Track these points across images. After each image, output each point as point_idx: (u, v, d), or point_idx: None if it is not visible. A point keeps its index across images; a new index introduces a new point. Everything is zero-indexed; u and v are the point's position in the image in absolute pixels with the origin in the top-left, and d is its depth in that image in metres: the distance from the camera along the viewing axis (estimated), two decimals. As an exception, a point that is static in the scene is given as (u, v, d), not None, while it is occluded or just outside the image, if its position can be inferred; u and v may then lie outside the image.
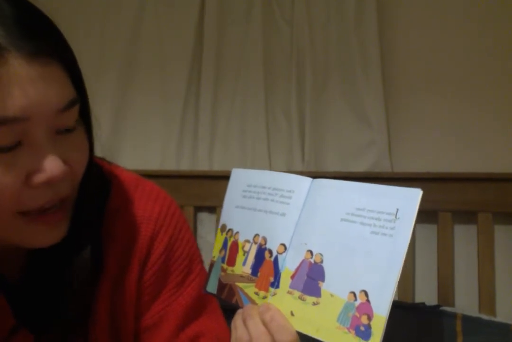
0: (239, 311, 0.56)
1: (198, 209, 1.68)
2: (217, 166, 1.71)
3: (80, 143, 0.55)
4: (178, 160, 1.73)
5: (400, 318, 1.26)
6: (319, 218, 0.54)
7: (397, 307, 0.46)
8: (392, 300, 0.47)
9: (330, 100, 1.64)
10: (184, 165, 1.73)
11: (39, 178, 0.49)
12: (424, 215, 1.53)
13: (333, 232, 0.52)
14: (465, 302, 1.50)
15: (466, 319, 1.30)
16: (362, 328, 0.48)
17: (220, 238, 0.63)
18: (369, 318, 0.48)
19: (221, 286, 0.60)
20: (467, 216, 1.53)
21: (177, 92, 1.72)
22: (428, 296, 1.49)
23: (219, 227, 0.63)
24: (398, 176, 1.55)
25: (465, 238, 1.54)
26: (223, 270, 0.61)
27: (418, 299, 1.50)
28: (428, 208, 1.48)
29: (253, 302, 0.56)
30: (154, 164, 1.74)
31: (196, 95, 1.73)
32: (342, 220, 0.52)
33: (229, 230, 0.62)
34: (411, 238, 1.57)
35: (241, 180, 0.62)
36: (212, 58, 1.70)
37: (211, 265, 0.63)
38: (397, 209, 0.48)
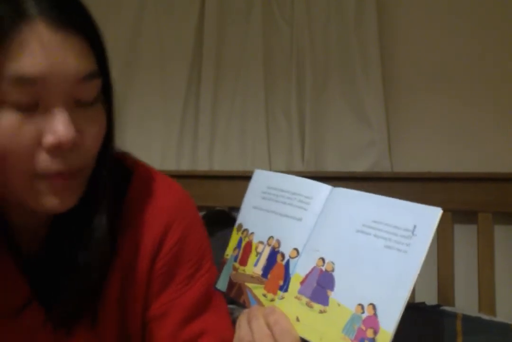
0: (245, 311, 0.57)
1: (199, 209, 1.67)
2: (217, 167, 1.71)
3: (97, 118, 0.58)
4: (178, 161, 1.73)
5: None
6: (334, 227, 0.54)
7: (397, 306, 0.46)
8: (400, 316, 0.46)
9: (330, 100, 1.65)
10: (184, 166, 1.73)
11: (50, 139, 0.52)
12: (424, 215, 1.52)
13: (347, 242, 0.52)
14: (465, 302, 1.50)
15: (466, 319, 1.29)
16: None
17: (235, 237, 0.63)
18: (375, 332, 0.47)
19: (231, 284, 0.61)
20: (467, 216, 1.54)
21: (177, 92, 1.72)
22: (428, 296, 1.49)
23: (236, 226, 0.64)
24: (398, 175, 1.55)
25: (465, 238, 1.54)
26: (235, 269, 0.61)
27: (418, 299, 1.50)
28: (428, 208, 1.48)
29: (260, 303, 0.56)
30: (154, 164, 1.71)
31: (196, 95, 1.73)
32: (357, 231, 0.52)
33: (245, 229, 0.62)
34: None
35: (262, 181, 0.63)
36: (212, 58, 1.70)
37: (223, 263, 0.63)
38: (415, 226, 0.48)
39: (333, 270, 0.52)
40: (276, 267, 0.57)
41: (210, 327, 0.70)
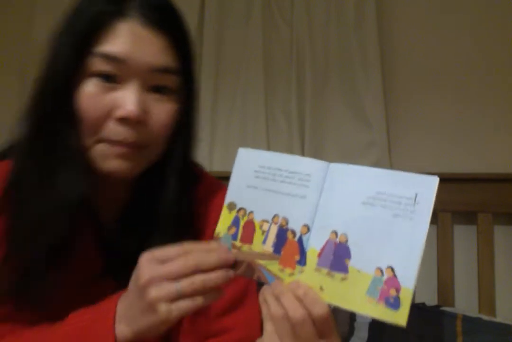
0: (266, 287, 0.59)
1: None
2: (217, 167, 1.71)
3: (167, 108, 0.68)
4: (178, 161, 1.73)
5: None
6: (341, 201, 0.57)
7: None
8: (417, 274, 0.51)
9: (330, 100, 1.65)
10: (184, 166, 1.73)
11: (119, 111, 0.64)
12: (424, 215, 1.52)
13: (356, 214, 0.56)
14: (465, 302, 1.50)
15: (466, 320, 1.29)
16: (392, 300, 0.52)
17: (229, 216, 0.64)
18: (397, 290, 0.52)
19: (236, 262, 0.62)
20: (467, 216, 1.54)
21: (177, 92, 1.72)
22: (428, 296, 1.49)
23: (226, 204, 0.65)
24: (398, 176, 1.55)
25: (465, 238, 1.54)
26: (236, 247, 0.63)
27: (418, 299, 1.50)
28: (428, 208, 1.48)
29: (278, 278, 0.59)
30: (154, 164, 1.73)
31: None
32: (363, 203, 0.56)
33: (241, 208, 0.64)
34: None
35: (251, 160, 0.64)
36: (212, 58, 1.70)
37: (216, 241, 0.65)
38: (416, 194, 0.53)
39: (347, 241, 0.56)
40: (289, 243, 0.59)
41: (239, 325, 0.74)
